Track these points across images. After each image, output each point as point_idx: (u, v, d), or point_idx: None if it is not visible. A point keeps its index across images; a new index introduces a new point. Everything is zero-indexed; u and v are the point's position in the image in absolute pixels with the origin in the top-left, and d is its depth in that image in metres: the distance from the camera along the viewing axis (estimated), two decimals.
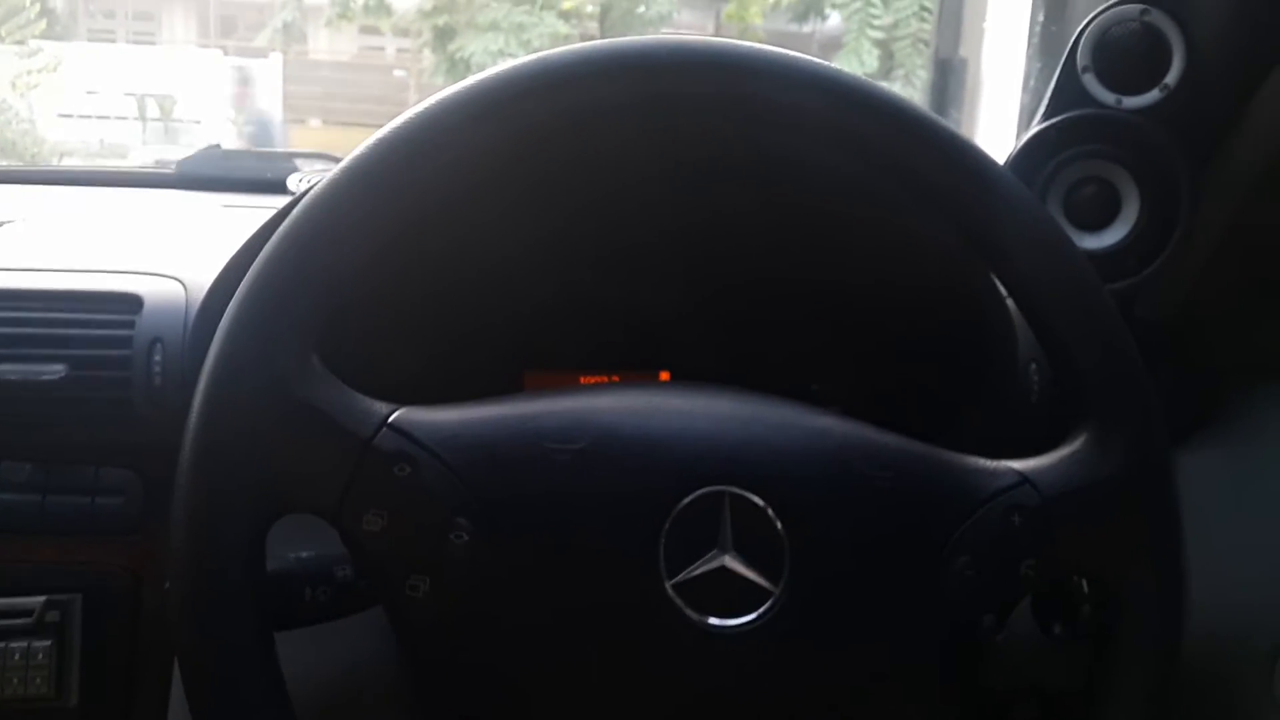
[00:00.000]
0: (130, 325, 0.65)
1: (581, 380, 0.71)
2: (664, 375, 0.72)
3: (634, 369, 0.71)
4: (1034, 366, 0.67)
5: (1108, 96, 0.68)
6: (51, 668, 0.65)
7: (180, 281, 0.67)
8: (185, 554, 0.42)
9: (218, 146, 1.09)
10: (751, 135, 0.56)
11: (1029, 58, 1.16)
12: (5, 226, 0.80)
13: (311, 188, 0.45)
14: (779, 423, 0.48)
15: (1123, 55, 0.68)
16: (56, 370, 0.63)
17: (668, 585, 0.44)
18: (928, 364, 0.69)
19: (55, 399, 0.63)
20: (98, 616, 0.66)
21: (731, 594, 0.44)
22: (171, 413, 0.58)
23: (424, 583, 0.43)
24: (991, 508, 0.47)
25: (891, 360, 0.70)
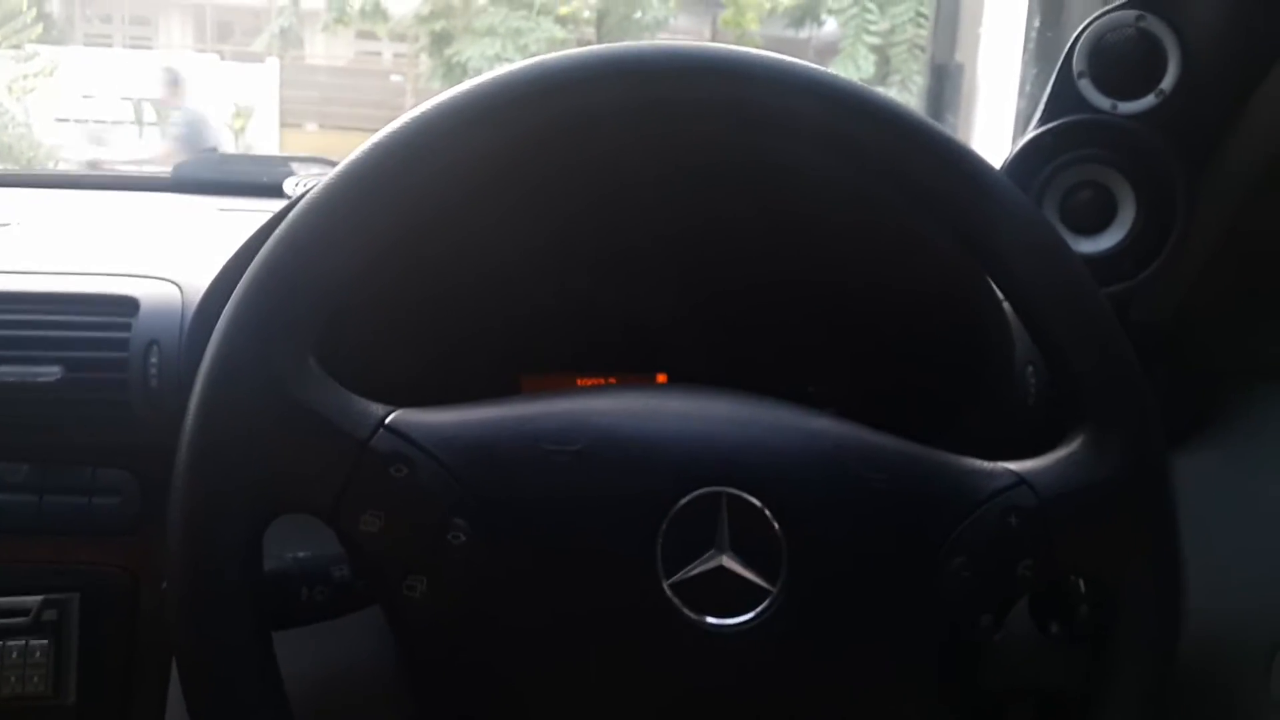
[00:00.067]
0: (127, 328, 0.65)
1: (579, 382, 0.71)
2: (661, 377, 0.72)
3: (631, 371, 0.71)
4: (1031, 369, 0.67)
5: (1103, 102, 0.68)
6: (49, 666, 0.65)
7: (177, 284, 0.67)
8: (182, 554, 0.42)
9: (214, 150, 1.09)
10: (747, 140, 0.56)
11: (1025, 63, 1.16)
12: (2, 230, 0.80)
13: (307, 191, 0.45)
14: (776, 424, 0.48)
15: (1118, 60, 0.68)
16: (53, 372, 0.63)
17: (665, 585, 0.44)
18: (924, 366, 0.69)
19: (52, 400, 0.63)
20: (95, 616, 0.66)
21: (729, 594, 0.44)
22: (168, 414, 0.58)
23: (421, 583, 0.43)
24: (989, 509, 0.47)
25: (888, 362, 0.70)
